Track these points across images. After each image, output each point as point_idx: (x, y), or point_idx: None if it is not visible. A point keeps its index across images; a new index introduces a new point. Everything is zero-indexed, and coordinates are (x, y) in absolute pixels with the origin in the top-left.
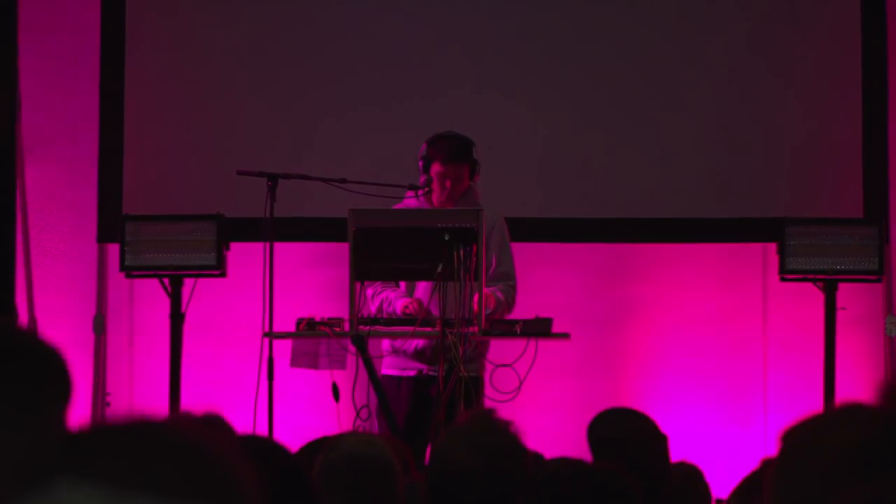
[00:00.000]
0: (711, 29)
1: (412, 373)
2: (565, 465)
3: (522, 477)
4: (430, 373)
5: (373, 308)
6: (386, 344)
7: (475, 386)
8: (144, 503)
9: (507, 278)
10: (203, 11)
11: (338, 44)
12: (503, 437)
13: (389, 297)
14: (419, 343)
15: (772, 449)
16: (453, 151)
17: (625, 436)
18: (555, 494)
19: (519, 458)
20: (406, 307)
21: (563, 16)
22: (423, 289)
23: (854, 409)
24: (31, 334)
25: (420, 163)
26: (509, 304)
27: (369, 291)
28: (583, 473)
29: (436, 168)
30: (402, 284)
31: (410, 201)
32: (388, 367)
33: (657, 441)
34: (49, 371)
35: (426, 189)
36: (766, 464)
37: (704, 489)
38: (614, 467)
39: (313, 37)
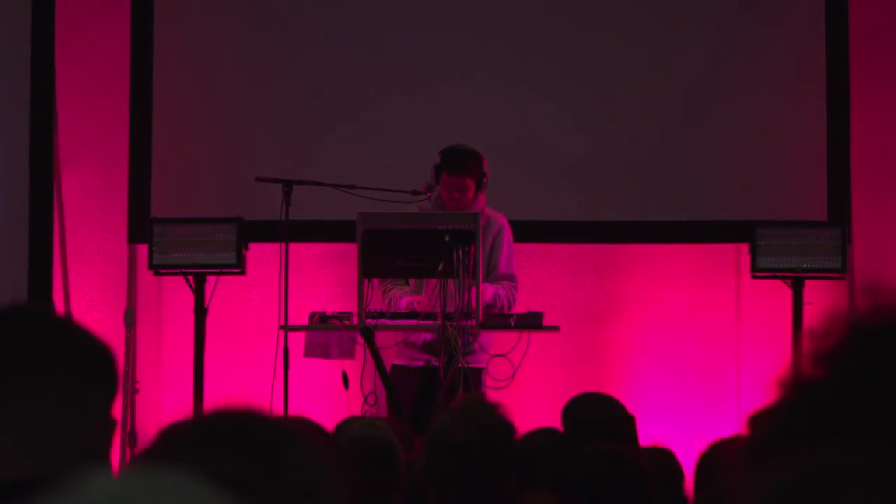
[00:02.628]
0: (688, 41)
1: (420, 363)
2: (586, 448)
3: (511, 451)
4: (436, 363)
5: (384, 304)
6: (399, 337)
7: (476, 376)
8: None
9: (510, 279)
10: (224, 31)
11: (348, 57)
12: (494, 416)
13: (395, 297)
14: (427, 336)
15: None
16: (459, 164)
17: (596, 417)
18: (577, 475)
19: (509, 434)
20: (409, 304)
21: (546, 27)
22: (432, 283)
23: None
24: (84, 330)
25: (433, 171)
26: (510, 301)
27: (380, 289)
28: (604, 457)
29: (444, 179)
30: (413, 283)
31: (425, 205)
32: (399, 358)
33: (625, 421)
34: (99, 363)
35: (428, 195)
36: (719, 446)
37: (678, 469)
38: (630, 450)
39: (325, 51)
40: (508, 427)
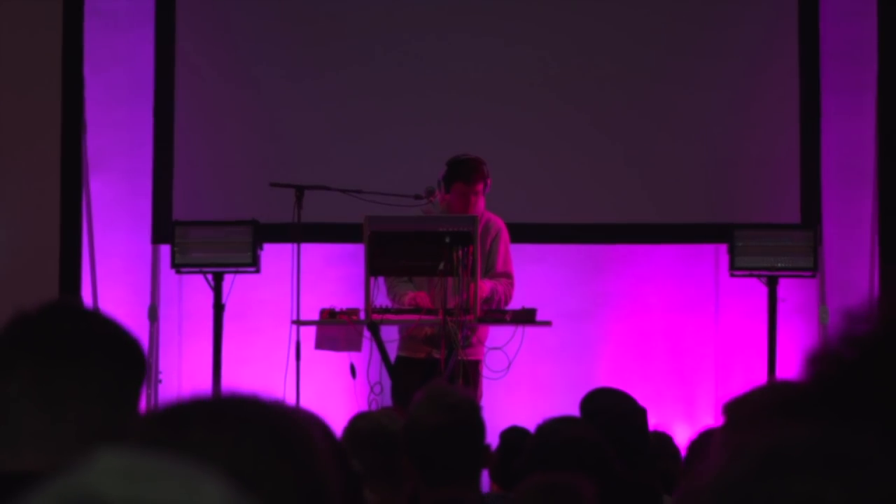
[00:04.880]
0: (672, 59)
1: (423, 355)
2: (565, 433)
3: (482, 427)
4: (436, 355)
5: (388, 299)
6: (404, 331)
7: (474, 367)
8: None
9: (507, 276)
10: (240, 47)
11: (358, 73)
12: (460, 398)
13: (399, 293)
14: (429, 330)
15: (719, 419)
16: (475, 173)
17: (612, 409)
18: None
19: (476, 411)
20: (412, 300)
21: (537, 39)
22: (435, 284)
23: (782, 383)
24: (117, 323)
25: (442, 181)
26: (506, 296)
27: (385, 282)
28: (576, 443)
29: (460, 187)
30: (416, 281)
31: (428, 208)
32: (404, 350)
33: (638, 413)
34: (130, 356)
35: (431, 199)
36: (707, 434)
37: (675, 451)
38: (600, 439)
39: (336, 67)
40: (474, 405)
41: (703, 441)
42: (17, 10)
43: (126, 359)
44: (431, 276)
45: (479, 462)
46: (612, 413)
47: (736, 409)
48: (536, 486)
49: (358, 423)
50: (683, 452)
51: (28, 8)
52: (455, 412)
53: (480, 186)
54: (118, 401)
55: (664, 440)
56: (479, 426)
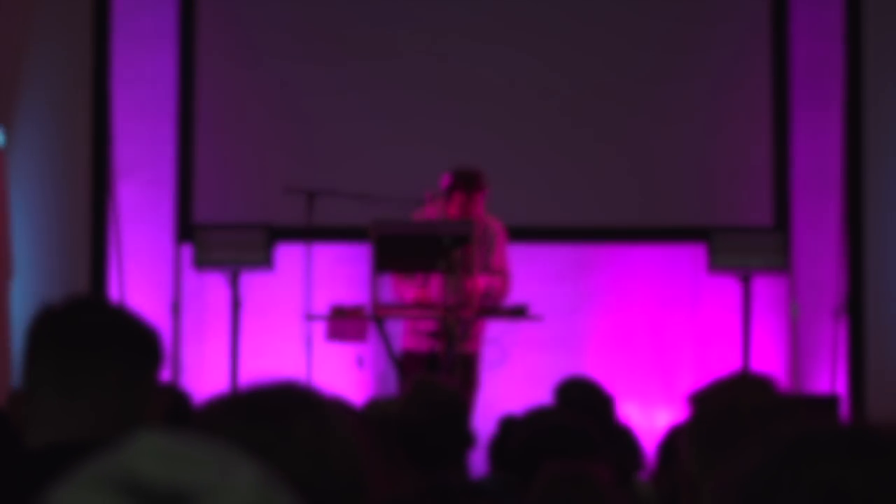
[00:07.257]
0: (655, 77)
1: (426, 348)
2: (550, 418)
3: (464, 422)
4: (438, 348)
5: (394, 296)
6: (408, 325)
7: (472, 359)
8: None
9: (505, 273)
10: (256, 66)
11: (365, 87)
12: (445, 393)
13: (403, 290)
14: (432, 325)
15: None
16: (475, 185)
17: (582, 397)
18: (541, 439)
19: (458, 404)
20: (415, 297)
21: (530, 51)
22: (436, 281)
23: (743, 377)
24: (135, 316)
25: (444, 190)
26: (504, 291)
27: (391, 281)
28: (561, 426)
29: (459, 197)
30: (419, 279)
31: (431, 211)
32: (408, 343)
33: (605, 401)
34: (149, 345)
35: (432, 204)
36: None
37: (636, 445)
38: (585, 422)
39: (347, 84)
40: (457, 398)
41: (674, 438)
42: (52, 37)
43: (143, 350)
44: (431, 275)
45: (464, 447)
46: (582, 401)
47: (703, 401)
48: (557, 477)
49: (371, 410)
50: (657, 443)
51: (61, 32)
52: (439, 408)
53: (479, 197)
54: (135, 389)
55: (625, 434)
56: (462, 417)
